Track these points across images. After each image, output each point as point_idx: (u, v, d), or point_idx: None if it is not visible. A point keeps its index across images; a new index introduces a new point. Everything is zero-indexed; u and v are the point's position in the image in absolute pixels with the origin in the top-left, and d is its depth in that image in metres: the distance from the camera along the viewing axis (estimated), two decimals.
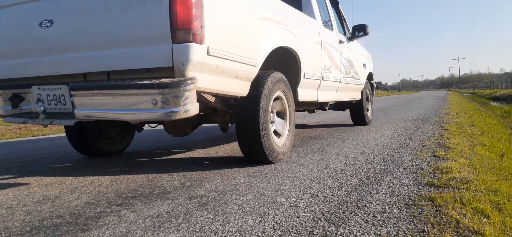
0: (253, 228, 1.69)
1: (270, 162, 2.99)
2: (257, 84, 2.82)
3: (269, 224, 1.73)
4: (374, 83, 6.67)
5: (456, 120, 6.52)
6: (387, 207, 1.93)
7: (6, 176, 2.97)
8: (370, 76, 6.34)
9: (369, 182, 2.41)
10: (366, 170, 2.77)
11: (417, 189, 2.23)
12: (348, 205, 1.97)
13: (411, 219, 1.74)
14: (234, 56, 2.48)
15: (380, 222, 1.72)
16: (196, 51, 2.12)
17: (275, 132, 3.13)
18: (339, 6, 5.31)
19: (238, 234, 1.62)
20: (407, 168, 2.79)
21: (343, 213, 1.85)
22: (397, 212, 1.85)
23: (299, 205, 1.98)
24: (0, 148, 4.96)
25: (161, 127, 3.56)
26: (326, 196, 2.14)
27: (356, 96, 5.64)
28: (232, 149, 3.96)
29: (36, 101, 2.45)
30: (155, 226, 1.74)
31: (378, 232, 1.60)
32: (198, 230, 1.68)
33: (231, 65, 2.48)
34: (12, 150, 4.63)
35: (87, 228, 1.75)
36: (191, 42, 2.09)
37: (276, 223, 1.74)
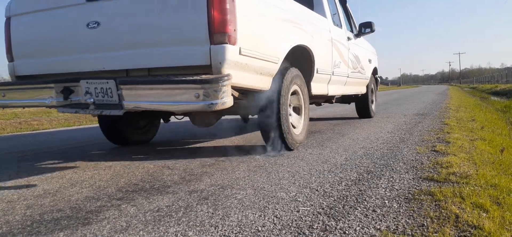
0: (253, 222, 1.69)
1: (289, 149, 3.29)
2: (278, 80, 3.09)
3: (269, 218, 1.73)
4: (378, 78, 6.95)
5: (456, 115, 6.51)
6: (386, 201, 1.93)
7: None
8: (374, 71, 6.56)
9: (369, 177, 2.42)
10: (366, 164, 2.78)
11: (417, 184, 2.23)
12: (348, 199, 1.98)
13: (411, 214, 1.75)
14: (260, 55, 2.75)
15: (379, 217, 1.72)
16: (230, 51, 2.41)
17: (292, 123, 3.39)
18: (347, 4, 5.50)
19: (238, 228, 1.63)
20: (407, 163, 2.79)
21: (343, 207, 1.86)
22: (396, 206, 1.85)
23: (299, 200, 1.99)
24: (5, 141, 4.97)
25: (187, 118, 4.00)
26: (326, 190, 2.14)
27: (362, 90, 5.87)
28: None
29: (84, 94, 2.64)
30: (156, 220, 1.75)
31: (378, 227, 1.61)
32: (198, 224, 1.68)
33: (258, 63, 2.74)
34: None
35: (87, 222, 1.75)
36: (227, 43, 2.38)
37: (276, 217, 1.75)
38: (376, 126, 5.19)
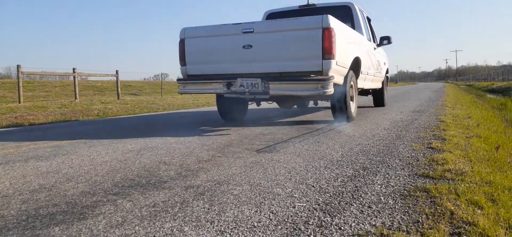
0: (249, 217, 1.70)
1: (348, 122, 5.06)
2: (346, 78, 4.90)
3: (265, 214, 1.73)
4: (388, 76, 8.81)
5: (452, 112, 6.54)
6: (382, 198, 1.94)
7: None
8: (387, 71, 8.47)
9: (365, 173, 2.43)
10: (362, 161, 2.78)
11: (412, 180, 2.24)
12: (344, 195, 1.98)
13: (406, 210, 1.76)
14: (342, 64, 4.54)
15: (375, 213, 1.73)
16: (332, 63, 4.21)
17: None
18: (371, 22, 7.36)
19: (234, 224, 1.63)
20: (403, 159, 2.80)
21: (339, 203, 1.86)
22: (392, 202, 1.86)
23: (295, 195, 1.99)
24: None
25: (262, 106, 6.57)
26: (322, 186, 2.15)
27: (379, 85, 7.76)
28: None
29: (239, 86, 4.40)
30: (151, 216, 1.75)
31: (373, 223, 1.61)
32: (194, 220, 1.68)
33: (341, 69, 4.55)
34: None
35: (83, 217, 1.75)
36: (331, 59, 4.19)
37: (272, 213, 1.75)
38: (373, 123, 5.20)
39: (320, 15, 4.23)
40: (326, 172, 2.46)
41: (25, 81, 24.42)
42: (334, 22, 4.30)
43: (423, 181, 2.21)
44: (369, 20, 7.09)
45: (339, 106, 4.94)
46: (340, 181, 2.25)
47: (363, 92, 7.37)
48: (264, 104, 6.65)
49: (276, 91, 4.31)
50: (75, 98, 12.46)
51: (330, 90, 4.09)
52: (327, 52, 4.15)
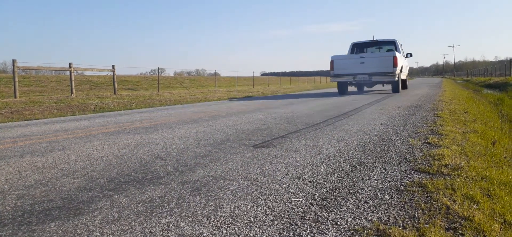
0: (246, 213, 1.70)
1: (398, 92, 12.34)
2: (398, 74, 12.28)
3: (261, 209, 1.73)
4: (409, 72, 17.31)
5: (449, 107, 6.55)
6: (378, 193, 1.94)
7: None
8: (408, 70, 15.79)
9: (362, 168, 2.43)
10: (359, 156, 2.79)
11: (409, 175, 2.24)
12: (340, 190, 1.98)
13: (402, 205, 1.76)
14: (397, 68, 11.98)
15: (371, 208, 1.73)
16: (397, 69, 12.03)
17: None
18: (402, 45, 14.29)
19: (231, 219, 1.63)
20: (400, 155, 2.80)
21: (335, 198, 1.86)
22: (388, 198, 1.86)
23: (291, 191, 1.99)
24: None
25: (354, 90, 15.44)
26: (318, 181, 2.15)
27: (405, 77, 14.92)
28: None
29: (358, 78, 12.33)
30: (148, 211, 1.74)
31: (369, 218, 1.62)
32: (190, 215, 1.68)
33: (397, 71, 12.02)
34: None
35: (79, 213, 1.75)
36: (396, 67, 11.85)
37: (269, 208, 1.75)
38: (370, 118, 5.21)
39: (392, 51, 12.68)
40: (322, 167, 2.46)
41: (21, 76, 24.28)
42: (396, 53, 11.84)
43: (419, 176, 2.21)
44: (401, 45, 14.25)
45: (396, 85, 12.34)
46: (337, 176, 2.25)
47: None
48: (351, 89, 17.14)
49: (374, 79, 12.01)
50: (72, 93, 12.41)
51: (398, 79, 11.93)
52: (394, 65, 11.63)
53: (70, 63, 12.38)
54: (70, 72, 12.50)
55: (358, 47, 14.20)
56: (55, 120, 6.35)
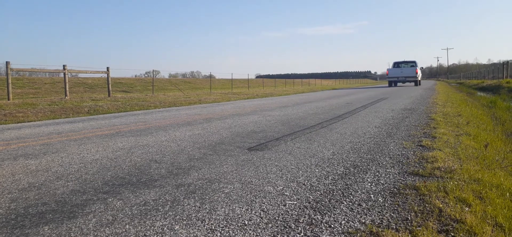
0: (240, 216, 1.70)
1: (419, 85, 27.76)
2: (419, 77, 29.22)
3: (255, 212, 1.74)
4: (420, 76, 29.67)
5: (443, 110, 6.60)
6: (372, 195, 1.95)
7: None
8: (420, 75, 29.44)
9: (355, 171, 2.44)
10: (352, 159, 2.80)
11: (402, 178, 2.26)
12: (334, 193, 2.00)
13: (395, 208, 1.77)
14: (418, 75, 28.02)
15: (365, 210, 1.74)
16: (419, 76, 28.17)
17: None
18: (417, 62, 29.79)
19: (225, 222, 1.63)
20: (393, 157, 2.82)
21: (329, 201, 1.87)
22: (382, 200, 1.88)
23: (285, 193, 2.00)
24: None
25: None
26: (312, 184, 2.16)
27: (420, 79, 29.22)
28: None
29: (400, 79, 27.88)
30: (142, 214, 1.74)
31: (363, 220, 1.63)
32: (185, 218, 1.68)
33: (419, 76, 28.37)
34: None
35: (73, 216, 1.74)
36: (417, 74, 27.39)
37: (263, 211, 1.75)
38: (364, 120, 5.23)
39: (415, 66, 27.94)
40: (317, 170, 2.48)
41: (14, 78, 24.11)
42: (417, 68, 27.79)
43: (412, 179, 2.23)
44: (416, 62, 28.69)
45: (417, 83, 27.59)
46: (331, 179, 2.26)
47: (410, 81, 27.90)
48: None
49: (407, 79, 27.26)
50: (65, 95, 12.34)
51: (418, 79, 27.69)
52: (416, 73, 26.63)
53: (64, 65, 12.32)
54: (64, 74, 12.44)
55: (397, 64, 28.86)
56: (49, 122, 6.31)
